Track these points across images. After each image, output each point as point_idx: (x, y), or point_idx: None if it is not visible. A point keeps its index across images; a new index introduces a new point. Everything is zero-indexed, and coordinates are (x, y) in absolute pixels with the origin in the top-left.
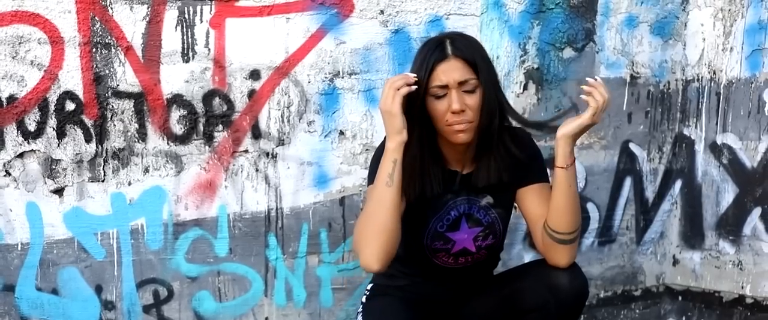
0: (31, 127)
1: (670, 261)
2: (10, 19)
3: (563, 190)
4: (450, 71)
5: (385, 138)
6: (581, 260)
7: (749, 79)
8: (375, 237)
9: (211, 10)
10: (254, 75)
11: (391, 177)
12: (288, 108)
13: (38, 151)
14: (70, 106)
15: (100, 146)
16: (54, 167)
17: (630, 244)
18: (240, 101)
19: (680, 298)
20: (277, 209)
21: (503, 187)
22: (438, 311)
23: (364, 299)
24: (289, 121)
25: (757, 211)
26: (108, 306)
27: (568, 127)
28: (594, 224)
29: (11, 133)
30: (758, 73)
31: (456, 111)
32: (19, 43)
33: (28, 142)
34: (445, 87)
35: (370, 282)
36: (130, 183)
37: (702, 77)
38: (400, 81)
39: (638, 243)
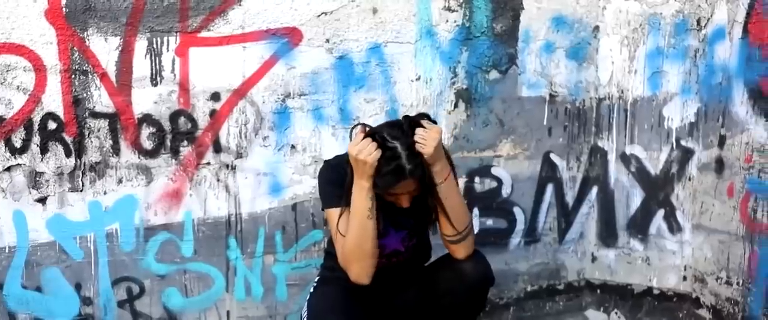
0: (18, 143)
1: (589, 258)
2: None
3: (442, 203)
4: (405, 187)
5: (328, 162)
6: (510, 258)
7: (651, 98)
8: (364, 259)
9: (176, 40)
10: (215, 97)
11: (371, 211)
12: (245, 125)
13: (24, 164)
14: (52, 125)
15: (78, 160)
16: (38, 179)
17: (553, 243)
18: (202, 120)
19: (598, 291)
20: (236, 214)
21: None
22: (374, 298)
23: (311, 288)
24: (246, 136)
25: (660, 213)
26: (86, 301)
27: (427, 148)
28: (520, 226)
29: (0, 149)
30: (658, 92)
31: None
32: (7, 71)
33: (15, 157)
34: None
35: (317, 276)
36: (105, 193)
37: (612, 96)
38: (373, 147)
39: (560, 242)
